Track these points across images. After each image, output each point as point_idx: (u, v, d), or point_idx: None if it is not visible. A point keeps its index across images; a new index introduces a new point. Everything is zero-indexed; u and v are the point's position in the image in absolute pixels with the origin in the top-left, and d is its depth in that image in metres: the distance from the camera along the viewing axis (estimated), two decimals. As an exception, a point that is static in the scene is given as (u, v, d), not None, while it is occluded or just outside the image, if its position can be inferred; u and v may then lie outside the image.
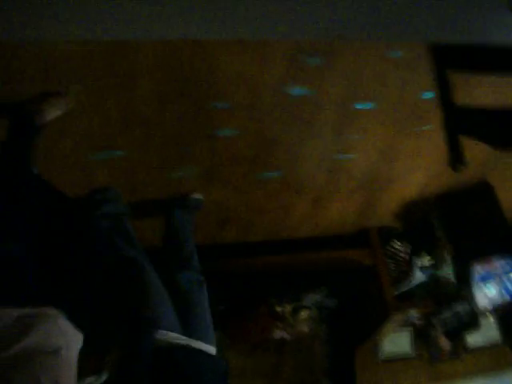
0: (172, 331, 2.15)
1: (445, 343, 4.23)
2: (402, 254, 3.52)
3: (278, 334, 3.56)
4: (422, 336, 4.26)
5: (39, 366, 1.43)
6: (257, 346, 3.67)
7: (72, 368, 1.58)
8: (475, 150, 2.74)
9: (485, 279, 3.55)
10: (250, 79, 2.19)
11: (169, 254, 2.62)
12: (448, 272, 3.59)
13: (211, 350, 2.23)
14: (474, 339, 4.29)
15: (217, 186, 2.79)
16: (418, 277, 3.56)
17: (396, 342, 4.14)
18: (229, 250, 3.37)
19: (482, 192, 3.39)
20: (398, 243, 3.52)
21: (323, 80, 2.28)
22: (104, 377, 3.12)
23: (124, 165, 2.48)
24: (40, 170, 1.90)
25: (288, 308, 3.45)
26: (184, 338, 2.16)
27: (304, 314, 3.53)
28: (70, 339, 1.64)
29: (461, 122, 1.96)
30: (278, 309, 3.42)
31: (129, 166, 2.50)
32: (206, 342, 2.22)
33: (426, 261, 3.55)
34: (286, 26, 1.28)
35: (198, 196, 2.84)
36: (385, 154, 2.82)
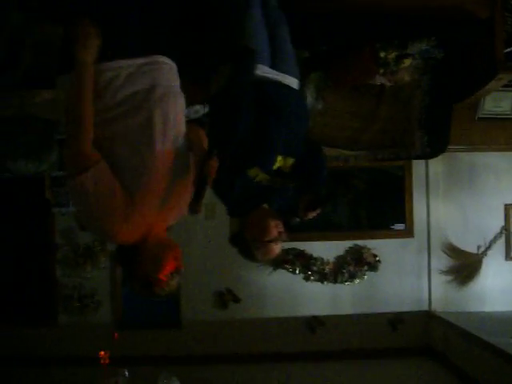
0: (267, 66, 2.39)
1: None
2: (524, 9, 3.28)
3: (379, 79, 3.63)
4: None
5: (158, 98, 1.85)
6: (356, 88, 3.81)
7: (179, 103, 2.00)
8: None
9: None
10: None
11: None
12: None
13: (295, 83, 2.49)
14: None
15: None
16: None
17: (498, 101, 4.13)
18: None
19: None
20: (523, -5, 3.25)
21: None
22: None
23: None
24: None
25: (392, 54, 3.42)
26: (276, 72, 2.40)
27: (407, 62, 3.50)
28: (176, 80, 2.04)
29: None
30: (382, 54, 3.40)
31: None
32: (292, 75, 2.47)
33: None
34: None
35: None
36: None
